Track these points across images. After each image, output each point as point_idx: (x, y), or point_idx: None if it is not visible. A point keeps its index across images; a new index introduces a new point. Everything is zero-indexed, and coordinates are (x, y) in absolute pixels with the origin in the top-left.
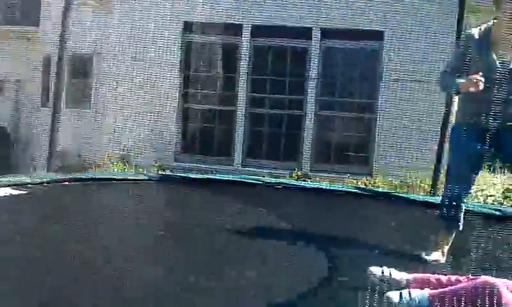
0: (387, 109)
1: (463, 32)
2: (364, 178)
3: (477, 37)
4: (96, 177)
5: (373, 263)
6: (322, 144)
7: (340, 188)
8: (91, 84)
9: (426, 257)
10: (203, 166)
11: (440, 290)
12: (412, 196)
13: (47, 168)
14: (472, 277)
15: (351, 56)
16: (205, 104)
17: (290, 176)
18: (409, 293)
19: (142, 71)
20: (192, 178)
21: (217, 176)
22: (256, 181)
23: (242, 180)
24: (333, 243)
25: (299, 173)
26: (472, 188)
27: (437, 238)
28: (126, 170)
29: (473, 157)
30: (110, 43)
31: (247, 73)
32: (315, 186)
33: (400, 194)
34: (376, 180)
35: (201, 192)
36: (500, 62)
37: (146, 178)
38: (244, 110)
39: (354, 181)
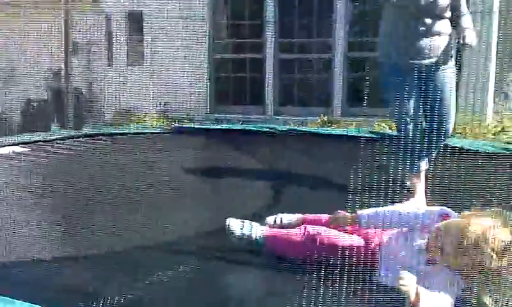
0: None
1: None
2: None
3: None
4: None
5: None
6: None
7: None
8: (143, 42)
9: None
10: (236, 116)
11: (275, 230)
12: None
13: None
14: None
15: None
16: (234, 53)
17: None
18: (251, 227)
19: (176, 26)
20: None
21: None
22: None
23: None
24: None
25: (325, 119)
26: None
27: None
28: (161, 124)
29: (408, 88)
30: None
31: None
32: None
33: None
34: None
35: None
36: None
37: (161, 131)
38: (273, 57)
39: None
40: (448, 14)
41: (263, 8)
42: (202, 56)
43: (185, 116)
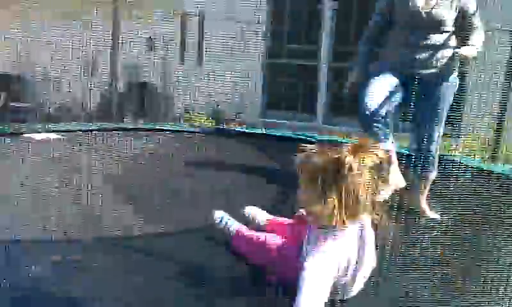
0: None
1: None
2: None
3: None
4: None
5: None
6: None
7: None
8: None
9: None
10: (285, 122)
11: (242, 230)
12: None
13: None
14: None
15: None
16: (289, 59)
17: None
18: (227, 221)
19: (234, 29)
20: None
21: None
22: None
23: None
24: None
25: None
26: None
27: None
28: (211, 124)
29: (391, 80)
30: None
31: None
32: None
33: None
34: None
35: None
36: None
37: (199, 130)
38: (327, 65)
39: None
40: (450, 27)
41: (319, 16)
42: (257, 60)
43: (235, 118)
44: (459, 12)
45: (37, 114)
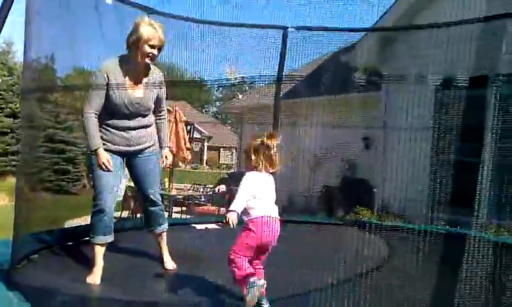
0: None
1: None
2: None
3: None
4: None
5: None
6: None
7: None
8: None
9: None
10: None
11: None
12: None
13: None
14: None
15: None
16: (453, 156)
17: None
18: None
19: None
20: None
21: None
22: None
23: None
24: None
25: None
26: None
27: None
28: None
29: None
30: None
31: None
32: None
33: None
34: None
35: None
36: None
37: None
38: (490, 162)
39: None
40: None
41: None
42: (427, 157)
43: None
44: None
45: None
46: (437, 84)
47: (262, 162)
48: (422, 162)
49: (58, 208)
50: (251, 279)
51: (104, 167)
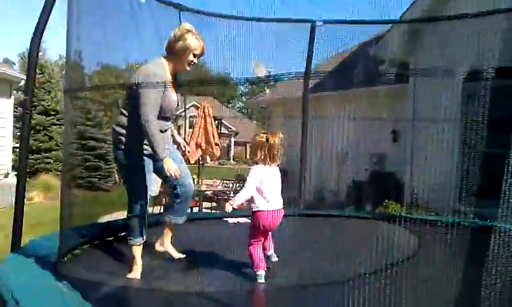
0: None
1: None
2: None
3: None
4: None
5: None
6: None
7: None
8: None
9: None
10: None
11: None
12: None
13: None
14: None
15: None
16: (480, 149)
17: None
18: None
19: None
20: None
21: None
22: None
23: None
24: None
25: None
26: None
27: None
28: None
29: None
30: None
31: None
32: None
33: None
34: None
35: None
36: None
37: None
38: None
39: None
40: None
41: None
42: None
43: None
44: None
45: None
46: (464, 75)
47: (266, 156)
48: (450, 154)
49: (91, 204)
50: (259, 272)
51: (174, 176)
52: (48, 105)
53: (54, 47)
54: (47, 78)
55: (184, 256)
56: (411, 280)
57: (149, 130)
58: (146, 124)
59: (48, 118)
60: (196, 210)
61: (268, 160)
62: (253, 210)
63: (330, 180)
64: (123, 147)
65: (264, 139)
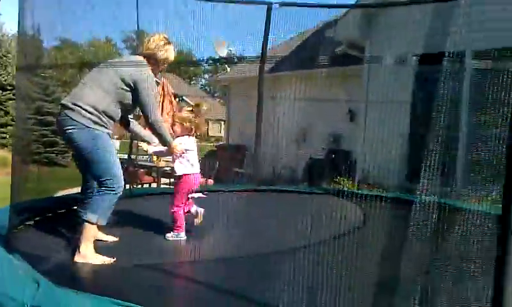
0: None
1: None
2: None
3: None
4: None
5: None
6: None
7: None
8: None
9: None
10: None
11: None
12: None
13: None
14: None
15: None
16: (426, 130)
17: None
18: None
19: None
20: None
21: None
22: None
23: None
24: None
25: None
26: None
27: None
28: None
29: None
30: None
31: None
32: None
33: None
34: None
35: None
36: None
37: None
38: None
39: None
40: None
41: None
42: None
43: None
44: None
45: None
46: (414, 59)
47: (186, 128)
48: (399, 133)
49: (48, 180)
50: (181, 233)
51: (183, 154)
52: (5, 80)
53: (11, 21)
54: (3, 53)
55: (117, 239)
56: (354, 250)
57: (162, 130)
58: (159, 124)
59: (4, 93)
60: (154, 185)
61: (188, 131)
62: (179, 174)
63: (288, 157)
64: (92, 126)
65: (184, 113)
